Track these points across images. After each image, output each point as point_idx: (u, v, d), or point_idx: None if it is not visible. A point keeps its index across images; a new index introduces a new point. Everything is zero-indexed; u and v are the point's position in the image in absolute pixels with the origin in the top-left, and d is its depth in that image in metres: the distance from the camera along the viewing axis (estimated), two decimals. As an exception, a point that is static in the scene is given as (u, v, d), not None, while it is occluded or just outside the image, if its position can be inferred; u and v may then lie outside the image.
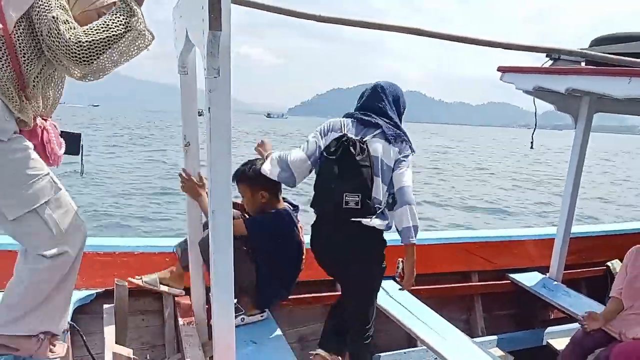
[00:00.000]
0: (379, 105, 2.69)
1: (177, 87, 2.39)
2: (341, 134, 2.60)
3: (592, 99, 3.50)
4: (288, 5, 1.88)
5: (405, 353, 3.42)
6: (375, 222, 2.53)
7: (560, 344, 3.36)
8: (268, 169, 2.60)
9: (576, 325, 3.10)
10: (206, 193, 2.49)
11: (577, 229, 4.27)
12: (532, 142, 3.51)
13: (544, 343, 3.84)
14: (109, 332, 2.31)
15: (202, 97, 2.24)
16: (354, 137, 2.58)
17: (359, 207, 2.50)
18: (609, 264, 4.25)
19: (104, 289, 2.80)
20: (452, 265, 3.55)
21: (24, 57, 1.88)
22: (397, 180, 2.57)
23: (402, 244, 2.55)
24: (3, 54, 1.85)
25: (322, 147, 2.61)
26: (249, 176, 2.71)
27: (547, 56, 3.19)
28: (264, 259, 2.70)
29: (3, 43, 1.85)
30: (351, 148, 2.53)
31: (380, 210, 2.56)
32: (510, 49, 2.28)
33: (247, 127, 61.74)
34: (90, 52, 1.81)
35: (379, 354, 3.21)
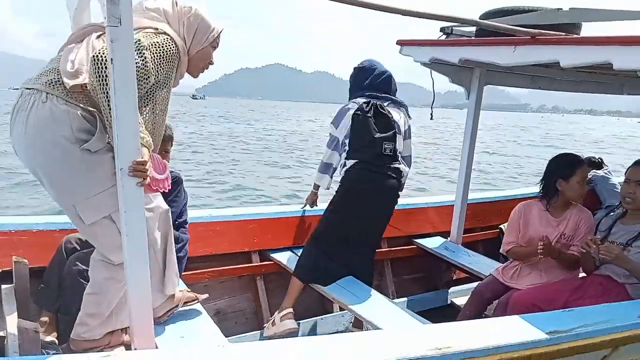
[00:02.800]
0: (390, 85, 3.32)
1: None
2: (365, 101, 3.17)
3: (482, 71, 3.70)
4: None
5: (322, 319, 3.45)
6: (404, 168, 3.23)
7: (462, 301, 3.54)
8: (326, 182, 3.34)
9: (475, 283, 3.29)
10: None
11: (473, 195, 4.52)
12: (431, 114, 3.66)
13: (449, 302, 4.04)
14: (10, 311, 2.11)
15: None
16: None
17: (392, 154, 3.12)
18: (501, 226, 4.53)
19: (0, 271, 2.55)
20: None
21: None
22: (408, 148, 3.33)
23: None
24: None
25: (351, 112, 3.16)
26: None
27: (440, 30, 3.34)
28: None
29: None
30: (380, 109, 3.14)
31: (402, 159, 3.25)
32: (409, 15, 2.35)
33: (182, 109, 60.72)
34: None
35: (298, 321, 3.21)
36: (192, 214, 3.16)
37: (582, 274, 3.05)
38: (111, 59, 1.53)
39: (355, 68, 3.36)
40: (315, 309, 3.58)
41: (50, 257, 2.61)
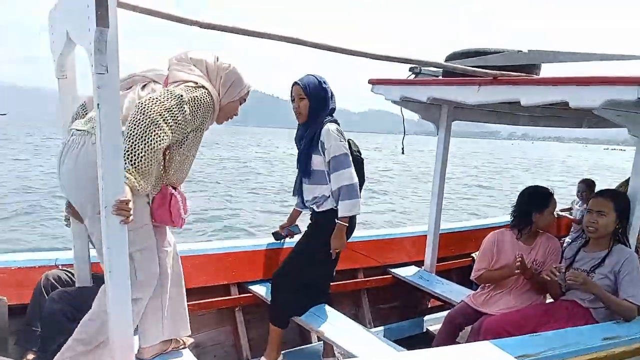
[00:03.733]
0: None
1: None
2: None
3: (450, 108, 3.83)
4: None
5: (301, 350, 3.46)
6: None
7: (437, 328, 3.59)
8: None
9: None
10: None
11: (446, 225, 4.62)
12: (402, 148, 3.77)
13: (424, 330, 4.09)
14: None
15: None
16: None
17: None
18: (473, 255, 4.63)
19: None
20: (340, 264, 3.66)
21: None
22: None
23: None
24: None
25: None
26: None
27: (410, 70, 3.47)
28: None
29: None
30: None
31: None
32: (379, 59, 2.47)
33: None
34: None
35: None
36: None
37: (549, 300, 3.15)
38: (97, 104, 1.59)
39: (328, 88, 3.04)
40: (294, 339, 3.59)
41: (29, 294, 2.59)
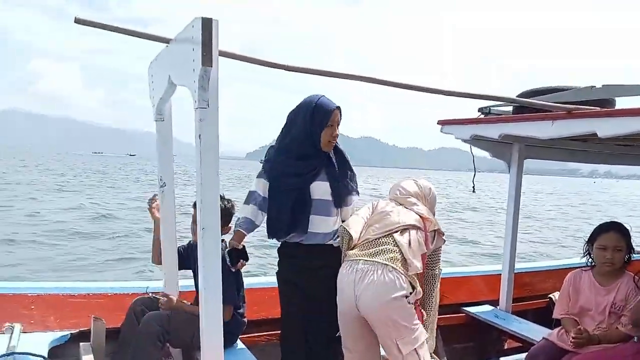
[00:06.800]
0: None
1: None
2: None
3: (521, 145, 3.75)
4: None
5: None
6: None
7: (515, 371, 3.40)
8: None
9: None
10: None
11: (521, 265, 4.44)
12: (473, 186, 3.70)
13: None
14: None
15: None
16: None
17: None
18: (551, 295, 4.39)
19: (78, 330, 2.70)
20: None
21: None
22: None
23: None
24: None
25: None
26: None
27: (479, 110, 3.46)
28: None
29: None
30: None
31: None
32: (453, 95, 2.49)
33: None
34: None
35: None
36: (249, 280, 3.33)
37: None
38: (199, 135, 1.72)
39: None
40: None
41: (121, 319, 2.73)
